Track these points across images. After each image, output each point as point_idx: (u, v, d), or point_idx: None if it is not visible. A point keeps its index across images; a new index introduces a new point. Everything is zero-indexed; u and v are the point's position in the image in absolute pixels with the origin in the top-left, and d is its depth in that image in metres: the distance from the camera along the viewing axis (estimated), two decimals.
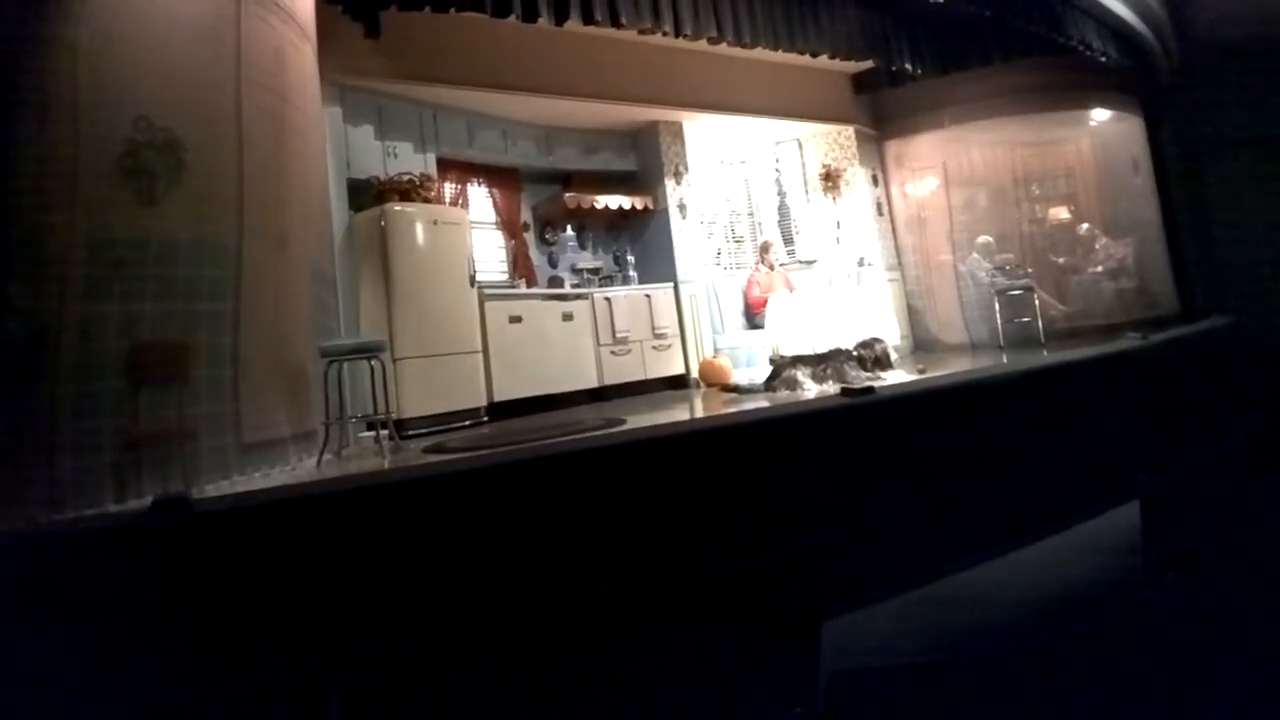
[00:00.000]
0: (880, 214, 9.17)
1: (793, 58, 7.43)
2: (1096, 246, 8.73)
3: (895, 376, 5.77)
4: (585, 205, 7.68)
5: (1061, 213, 8.98)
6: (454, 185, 7.17)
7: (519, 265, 7.56)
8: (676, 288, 7.79)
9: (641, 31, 5.97)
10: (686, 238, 8.03)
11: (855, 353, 5.96)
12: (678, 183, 8.09)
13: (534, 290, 7.23)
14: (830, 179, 9.12)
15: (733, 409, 5.04)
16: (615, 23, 5.68)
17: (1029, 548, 4.30)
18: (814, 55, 7.17)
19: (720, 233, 9.35)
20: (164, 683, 2.48)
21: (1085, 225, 8.84)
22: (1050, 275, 8.60)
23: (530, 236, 7.85)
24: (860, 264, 8.77)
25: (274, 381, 3.99)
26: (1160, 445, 5.10)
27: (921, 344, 8.98)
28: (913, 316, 9.11)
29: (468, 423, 5.80)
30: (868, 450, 4.23)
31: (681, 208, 8.06)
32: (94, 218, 3.30)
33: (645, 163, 8.18)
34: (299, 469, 4.01)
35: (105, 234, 3.31)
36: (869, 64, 8.24)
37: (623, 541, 3.37)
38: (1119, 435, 5.02)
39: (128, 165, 3.40)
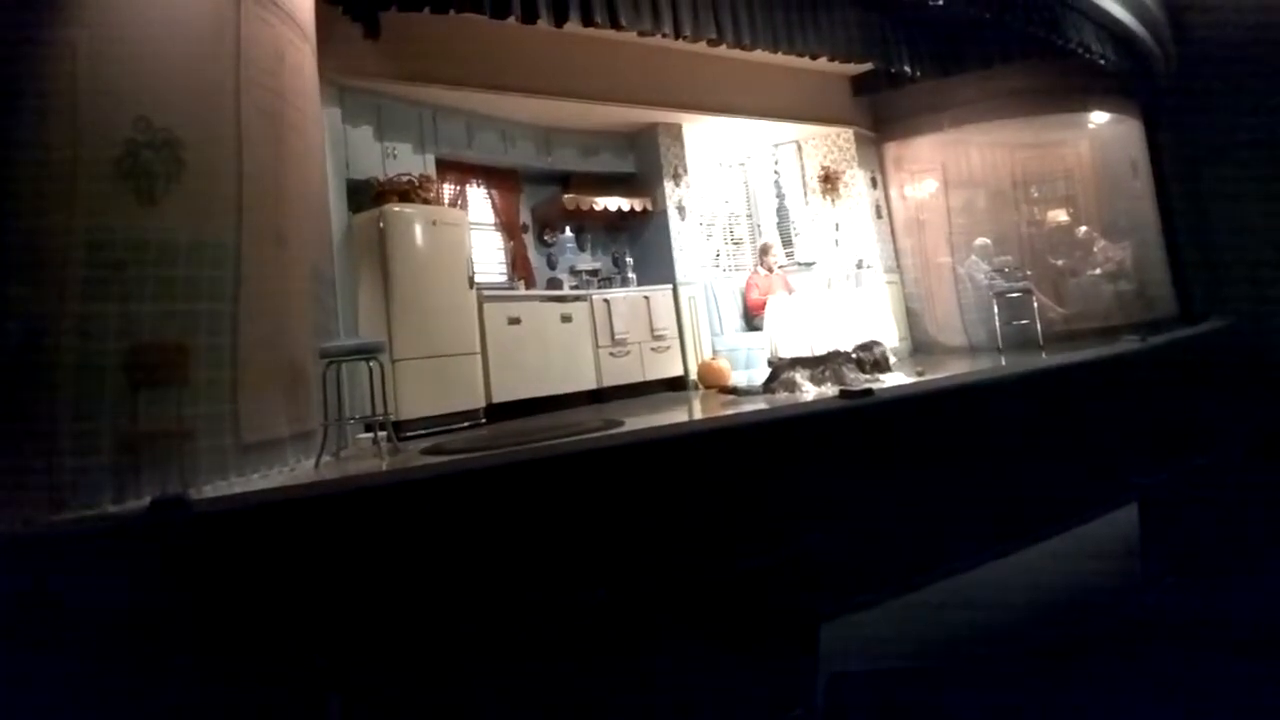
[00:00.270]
0: (879, 216, 9.17)
1: (792, 60, 7.44)
2: (1095, 249, 8.74)
3: (893, 379, 5.78)
4: (584, 207, 7.68)
5: (1060, 215, 9.00)
6: (453, 186, 7.17)
7: (518, 266, 7.56)
8: (675, 289, 7.79)
9: (641, 33, 5.98)
10: (685, 239, 8.04)
11: (854, 355, 5.96)
12: (677, 184, 8.09)
13: (533, 292, 7.22)
14: (829, 181, 9.12)
15: (731, 411, 5.04)
16: (615, 24, 5.68)
17: (1027, 550, 4.31)
18: (813, 57, 7.17)
19: (719, 235, 9.36)
20: (163, 684, 2.48)
21: (1084, 228, 8.85)
22: (1049, 277, 8.61)
23: (529, 238, 7.85)
24: (859, 266, 8.77)
25: (273, 382, 3.98)
26: (1158, 448, 5.12)
27: (920, 346, 8.98)
28: (911, 319, 9.11)
29: (466, 424, 5.80)
30: (866, 452, 4.24)
31: (680, 209, 8.06)
32: (93, 218, 3.30)
33: (644, 164, 8.18)
34: (297, 470, 4.01)
35: (104, 234, 3.30)
36: (868, 66, 8.25)
37: (622, 543, 3.37)
38: (1117, 438, 5.03)
39: (127, 165, 3.39)
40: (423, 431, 5.46)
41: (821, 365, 5.81)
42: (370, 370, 4.44)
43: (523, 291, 7.12)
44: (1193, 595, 3.50)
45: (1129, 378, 5.71)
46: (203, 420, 3.55)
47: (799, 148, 9.36)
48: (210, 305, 3.63)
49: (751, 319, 7.71)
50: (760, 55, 7.09)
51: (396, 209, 5.77)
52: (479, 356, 6.11)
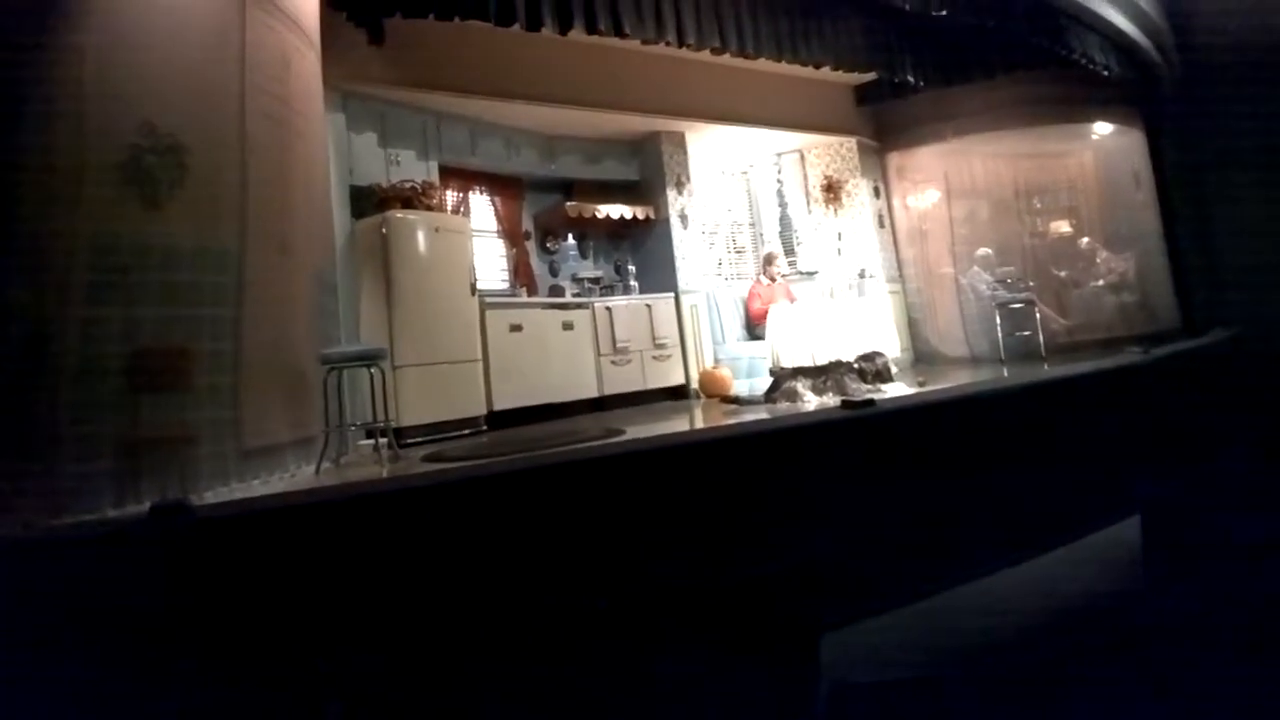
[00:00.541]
0: (881, 226, 9.17)
1: (796, 69, 7.45)
2: (1098, 260, 8.73)
3: (895, 389, 5.77)
4: (587, 214, 7.68)
5: (1063, 226, 8.99)
6: (456, 193, 7.18)
7: (520, 274, 7.57)
8: (677, 298, 7.79)
9: (645, 41, 5.98)
10: (688, 248, 8.04)
11: (855, 365, 5.96)
12: (679, 193, 8.10)
13: (535, 299, 7.23)
14: (832, 190, 9.13)
15: (733, 420, 5.04)
16: (619, 32, 5.69)
17: (1029, 561, 4.29)
18: (817, 66, 7.19)
19: (721, 243, 9.36)
20: (164, 688, 2.48)
21: (1086, 239, 8.85)
22: (1051, 288, 8.60)
23: (531, 245, 7.85)
24: (861, 276, 8.77)
25: (275, 388, 3.98)
26: (1161, 460, 5.11)
27: (922, 356, 8.97)
28: (913, 329, 9.10)
29: (467, 432, 5.79)
30: (868, 463, 4.23)
31: (683, 218, 8.07)
32: (97, 222, 3.30)
33: (647, 172, 8.19)
34: (298, 476, 4.01)
35: (109, 239, 3.31)
36: (872, 76, 8.27)
37: (622, 552, 3.36)
38: (1120, 449, 5.02)
39: (131, 170, 3.40)
40: (424, 439, 5.45)
41: (823, 375, 5.81)
42: (372, 376, 4.43)
43: (525, 299, 7.12)
44: (1194, 602, 3.50)
45: (1132, 389, 5.70)
46: (204, 426, 3.55)
47: (802, 157, 9.37)
48: (213, 311, 3.63)
49: (753, 328, 7.70)
50: (764, 64, 7.10)
51: (399, 215, 5.77)
52: (480, 364, 6.10)
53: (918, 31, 7.47)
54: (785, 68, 7.32)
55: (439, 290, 5.85)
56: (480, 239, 7.25)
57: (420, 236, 5.83)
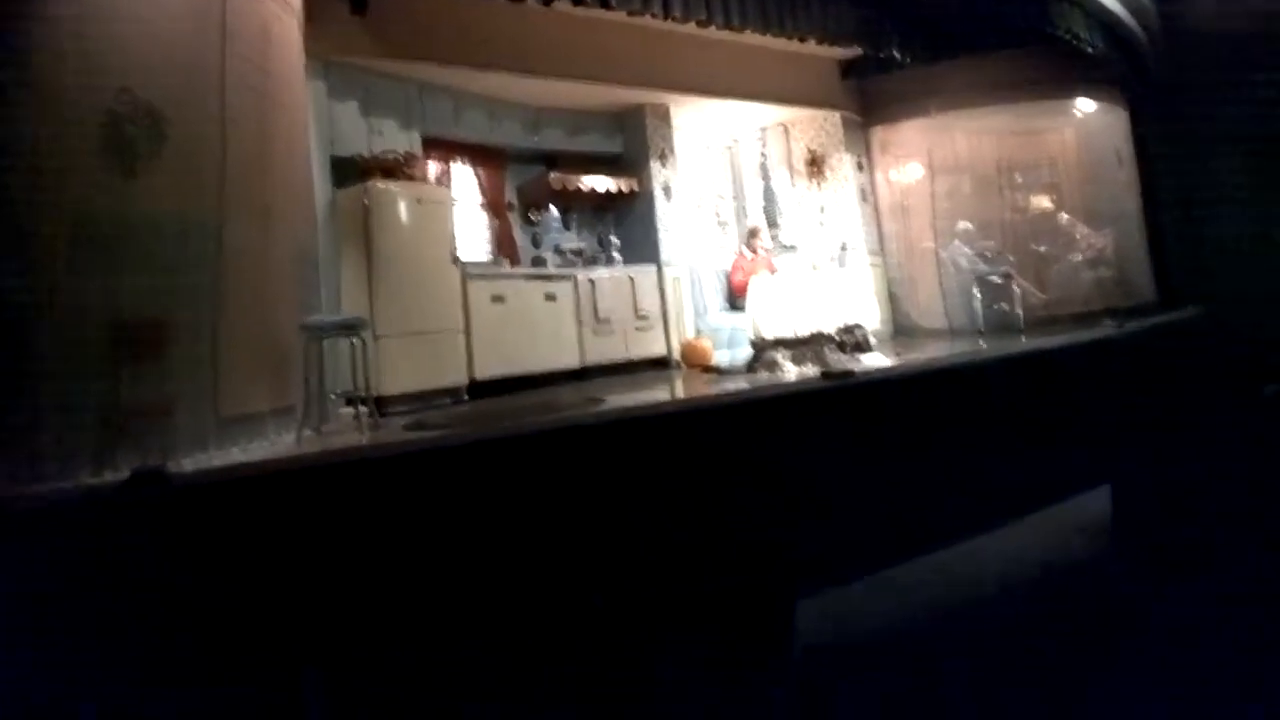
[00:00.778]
0: (864, 200, 9.20)
1: (781, 42, 7.43)
2: (1077, 235, 8.80)
3: (874, 360, 5.83)
4: (570, 186, 7.67)
5: (1043, 202, 9.05)
6: (438, 164, 7.15)
7: (502, 245, 7.56)
8: (660, 270, 7.82)
9: (630, 13, 5.96)
10: (671, 220, 8.05)
11: (835, 337, 6.02)
12: (663, 165, 8.10)
13: (517, 270, 7.22)
14: (815, 164, 9.15)
15: (713, 390, 5.08)
16: (604, 4, 5.67)
17: (1002, 529, 4.37)
18: (802, 40, 7.17)
19: (705, 216, 9.36)
20: (139, 655, 2.50)
21: (1065, 215, 8.91)
22: (1030, 263, 8.67)
23: (514, 217, 7.84)
24: (843, 249, 8.82)
25: (255, 357, 3.98)
26: (1133, 431, 5.20)
27: (901, 329, 9.04)
28: (893, 302, 9.17)
29: (448, 401, 5.81)
30: (846, 432, 4.29)
31: (666, 190, 8.07)
32: (75, 191, 3.27)
33: (631, 145, 8.17)
34: (278, 444, 4.02)
35: (86, 208, 3.28)
36: (857, 50, 8.25)
37: (601, 519, 3.40)
38: (1093, 421, 5.10)
39: (109, 138, 3.37)
40: (404, 408, 5.47)
41: (803, 346, 5.86)
42: (353, 346, 4.44)
43: (507, 270, 7.12)
44: (1160, 570, 3.58)
45: (1106, 362, 5.78)
46: (183, 394, 3.54)
47: (786, 131, 9.36)
48: (193, 280, 3.62)
49: (735, 300, 7.74)
50: (749, 37, 7.08)
51: (381, 186, 5.75)
52: (462, 334, 6.11)
53: (904, 6, 7.45)
54: (771, 41, 7.30)
55: (421, 261, 5.85)
56: (463, 210, 7.23)
57: (402, 207, 5.81)
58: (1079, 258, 8.72)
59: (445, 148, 7.17)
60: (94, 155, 3.32)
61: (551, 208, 7.98)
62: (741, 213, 9.57)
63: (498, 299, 6.50)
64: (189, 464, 3.40)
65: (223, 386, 3.71)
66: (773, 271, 7.81)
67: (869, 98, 9.40)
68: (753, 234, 8.16)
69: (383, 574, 2.94)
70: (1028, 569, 3.95)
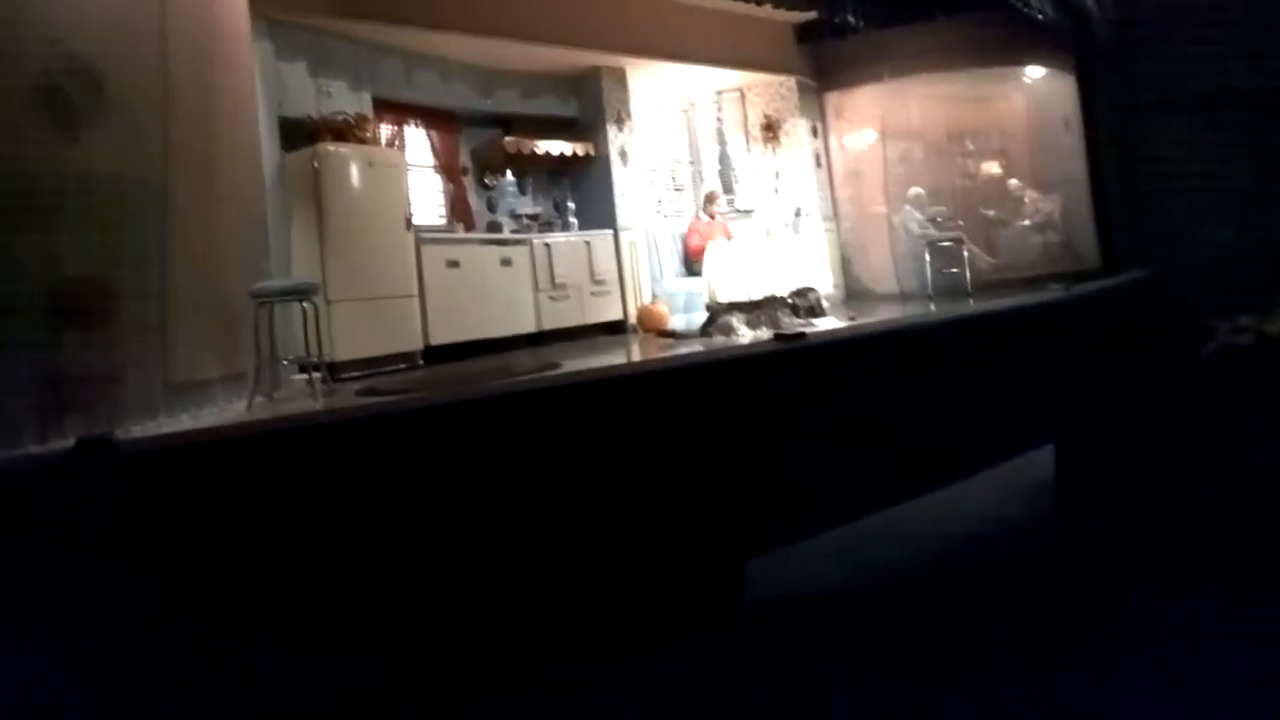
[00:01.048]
0: (819, 165, 9.25)
1: (737, 6, 7.44)
2: (1026, 201, 8.96)
3: (827, 323, 5.91)
4: (525, 150, 7.60)
5: (993, 168, 9.18)
6: (390, 126, 7.03)
7: (457, 209, 7.48)
8: (616, 235, 7.80)
9: None
10: (627, 185, 8.03)
11: (789, 300, 6.08)
12: (620, 130, 8.05)
13: (472, 235, 7.16)
14: (771, 130, 9.17)
15: (668, 353, 5.12)
16: None
17: (949, 488, 4.49)
18: (759, 3, 7.15)
19: (661, 181, 9.34)
20: (86, 629, 2.48)
21: (1015, 181, 9.05)
22: (980, 228, 8.82)
23: (469, 181, 7.75)
24: (797, 214, 8.88)
25: (202, 322, 3.93)
26: (1077, 392, 5.34)
27: (854, 293, 9.16)
28: (846, 266, 9.28)
29: (403, 366, 5.79)
30: (798, 393, 4.35)
31: (623, 155, 8.03)
32: (9, 149, 3.18)
33: (587, 109, 8.11)
34: (229, 411, 3.98)
35: (22, 167, 3.19)
36: (812, 15, 8.24)
37: (558, 481, 3.43)
38: (1038, 382, 5.22)
39: (46, 96, 3.27)
40: (359, 374, 5.43)
41: (757, 310, 5.92)
42: (304, 311, 4.39)
43: (462, 235, 7.05)
44: (1099, 527, 3.71)
45: (1052, 325, 5.91)
46: (129, 360, 3.48)
47: (742, 95, 9.35)
48: (137, 242, 3.54)
49: (691, 265, 7.77)
50: (706, 0, 7.03)
51: (331, 148, 5.66)
52: (416, 299, 6.07)
53: None
54: (727, 4, 7.30)
55: (373, 225, 5.78)
56: (416, 174, 7.13)
57: (354, 170, 5.73)
58: (1027, 223, 8.88)
59: (397, 110, 7.05)
60: (29, 112, 3.22)
61: (507, 172, 7.92)
62: (698, 177, 9.57)
63: (453, 264, 6.45)
64: (138, 431, 3.36)
65: (171, 352, 3.65)
66: (729, 237, 7.85)
67: (824, 63, 9.42)
68: (709, 199, 8.18)
69: (336, 543, 2.94)
70: (972, 526, 4.08)
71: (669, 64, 8.15)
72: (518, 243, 7.12)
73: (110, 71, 3.45)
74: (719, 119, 9.54)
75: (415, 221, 6.28)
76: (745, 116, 9.38)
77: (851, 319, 6.12)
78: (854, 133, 9.31)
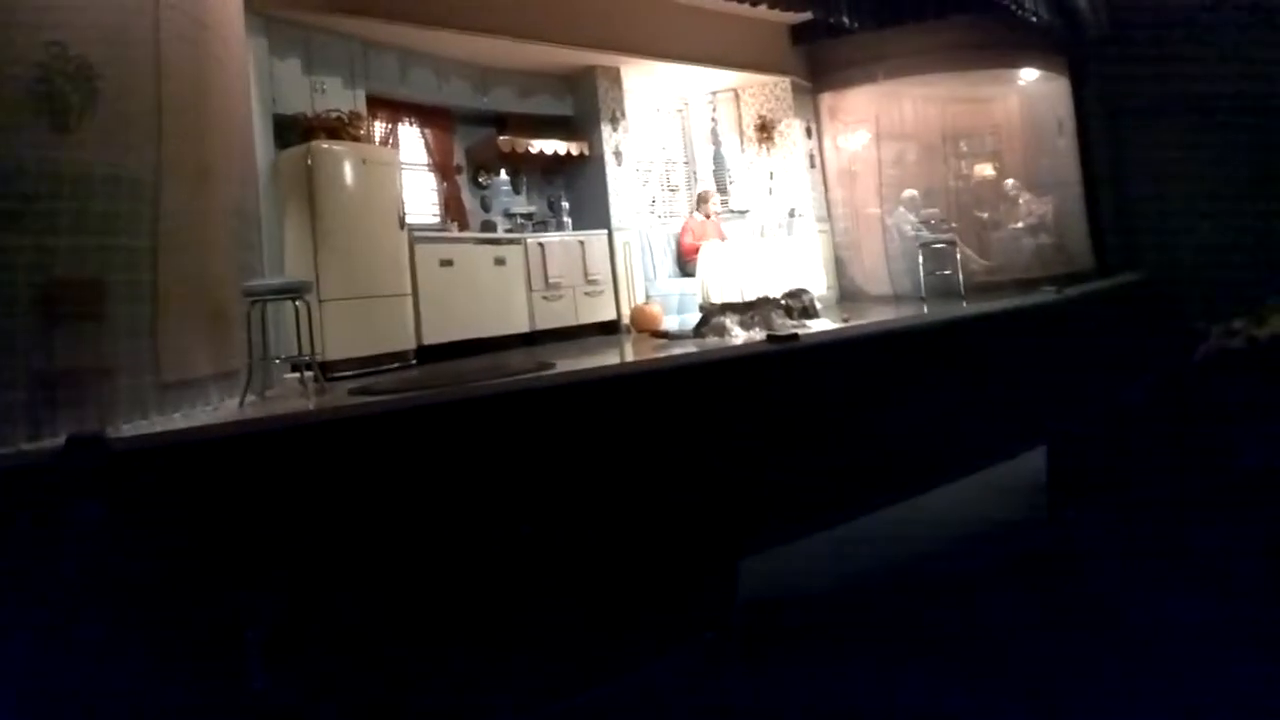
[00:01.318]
0: (813, 166, 9.26)
1: (732, 6, 7.42)
2: (1020, 202, 8.98)
3: (820, 325, 5.91)
4: (520, 149, 7.58)
5: (986, 169, 9.20)
6: (385, 124, 7.02)
7: (451, 208, 7.47)
8: (610, 235, 7.79)
9: None
10: (621, 185, 8.02)
11: (782, 301, 6.09)
12: (614, 129, 8.04)
13: (466, 234, 7.14)
14: (765, 130, 9.17)
15: (662, 354, 5.12)
16: None
17: (943, 489, 4.50)
18: (754, 4, 7.15)
19: (655, 181, 9.34)
20: (78, 624, 2.47)
21: (1011, 181, 9.08)
22: (973, 230, 8.85)
23: (463, 179, 7.73)
24: (791, 215, 8.88)
25: (195, 320, 3.91)
26: (1069, 394, 5.37)
27: (847, 294, 9.17)
28: (839, 267, 9.28)
29: (396, 365, 5.77)
30: (791, 394, 4.36)
31: (617, 154, 8.03)
32: (4, 147, 3.16)
33: (582, 108, 8.09)
34: (221, 409, 3.97)
35: (15, 164, 3.18)
36: (807, 15, 8.24)
37: (551, 482, 3.43)
38: (1031, 384, 5.25)
39: (40, 92, 3.25)
40: (351, 373, 5.42)
41: (751, 311, 5.92)
42: (296, 310, 4.38)
43: (456, 234, 7.03)
44: (1091, 528, 3.72)
45: (1045, 327, 5.94)
46: (122, 358, 3.47)
47: (737, 96, 9.35)
48: (129, 240, 3.53)
49: (685, 264, 7.77)
50: (701, 1, 7.03)
51: (325, 146, 5.64)
52: (410, 298, 6.05)
53: None
54: (722, 5, 7.29)
55: (367, 223, 5.76)
56: (410, 172, 7.11)
57: (347, 168, 5.71)
58: (1020, 225, 8.91)
59: (392, 108, 7.04)
60: (24, 110, 3.20)
61: (501, 171, 7.90)
62: (692, 177, 9.57)
63: (446, 263, 6.44)
64: (129, 430, 3.35)
65: (163, 350, 3.64)
66: (722, 237, 7.85)
67: (818, 64, 9.42)
68: (703, 199, 8.18)
69: (328, 540, 2.94)
70: (965, 527, 4.08)
71: (664, 64, 8.13)
72: (511, 242, 7.11)
73: (103, 69, 3.43)
74: (713, 119, 9.54)
75: (409, 220, 6.26)
76: (740, 117, 9.38)
77: (845, 320, 6.13)
78: (848, 134, 9.31)
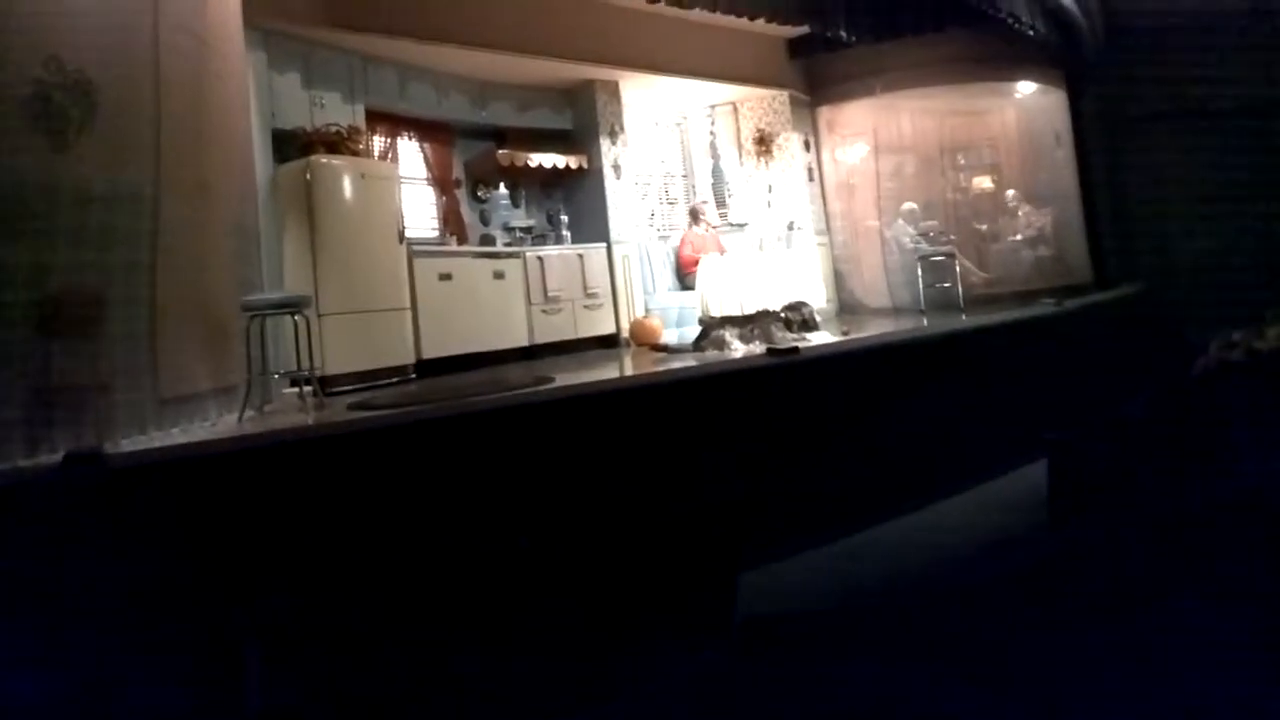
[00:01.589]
0: (811, 179, 9.28)
1: (730, 20, 7.43)
2: (1019, 214, 9.00)
3: (820, 338, 5.91)
4: (519, 163, 7.60)
5: (985, 182, 9.23)
6: (384, 138, 7.03)
7: (450, 222, 7.47)
8: (609, 248, 7.79)
9: None
10: (620, 198, 8.03)
11: (782, 314, 6.08)
12: (613, 143, 8.06)
13: (465, 248, 7.15)
14: (763, 143, 9.19)
15: (661, 368, 5.11)
16: None
17: (943, 503, 4.49)
18: (751, 18, 7.17)
19: (654, 194, 9.36)
20: (78, 639, 2.46)
21: (1011, 192, 9.10)
22: (972, 242, 8.87)
23: (462, 193, 7.74)
24: (790, 228, 8.90)
25: (194, 335, 3.90)
26: (1069, 406, 5.36)
27: (846, 307, 9.17)
28: (839, 280, 9.29)
29: (395, 380, 5.76)
30: (791, 408, 4.36)
31: (616, 168, 8.04)
32: (1, 162, 3.16)
33: (581, 122, 8.11)
34: (219, 425, 3.95)
35: (13, 178, 3.18)
36: (805, 29, 8.27)
37: (550, 496, 3.42)
38: (1031, 396, 5.25)
39: (38, 107, 3.25)
40: (350, 387, 5.40)
41: (750, 324, 5.91)
42: (295, 324, 4.37)
43: (455, 248, 7.04)
44: (1093, 540, 3.70)
45: (1044, 339, 5.94)
46: (120, 373, 3.46)
47: (735, 109, 9.39)
48: (127, 255, 3.51)
49: (684, 277, 7.78)
50: (698, 15, 7.04)
51: (324, 160, 5.64)
52: (409, 312, 6.05)
53: None
54: (719, 19, 7.29)
55: (366, 238, 5.76)
56: (409, 186, 7.13)
57: (346, 182, 5.71)
58: (1018, 237, 8.93)
59: (391, 122, 7.05)
60: (21, 124, 3.20)
61: (500, 185, 7.92)
62: (691, 191, 9.59)
63: (445, 277, 6.44)
64: (127, 445, 3.33)
65: (162, 365, 3.62)
66: (721, 250, 7.86)
67: (816, 77, 9.45)
68: (695, 212, 8.20)
69: (327, 556, 2.93)
70: (967, 540, 4.07)
71: (662, 78, 8.16)
72: (510, 256, 7.11)
73: (102, 84, 3.43)
74: (712, 133, 9.57)
75: (408, 234, 6.27)
76: (738, 130, 9.41)
77: (845, 333, 6.13)
78: (846, 146, 9.34)
